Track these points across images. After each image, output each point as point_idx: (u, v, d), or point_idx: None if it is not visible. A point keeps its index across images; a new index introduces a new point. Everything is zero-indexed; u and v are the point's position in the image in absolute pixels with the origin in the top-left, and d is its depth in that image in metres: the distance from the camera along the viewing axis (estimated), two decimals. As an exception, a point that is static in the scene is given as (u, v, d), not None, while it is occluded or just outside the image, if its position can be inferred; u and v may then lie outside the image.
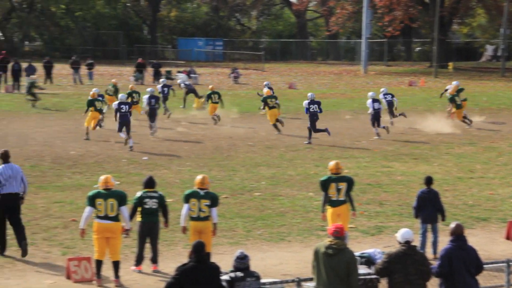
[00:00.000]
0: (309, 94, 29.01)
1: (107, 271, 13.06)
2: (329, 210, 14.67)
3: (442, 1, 64.26)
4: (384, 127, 29.51)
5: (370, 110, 29.34)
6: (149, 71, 54.27)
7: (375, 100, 29.45)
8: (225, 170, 22.72)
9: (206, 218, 13.34)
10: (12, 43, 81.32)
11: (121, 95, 28.16)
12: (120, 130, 26.33)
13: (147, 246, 13.71)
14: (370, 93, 30.27)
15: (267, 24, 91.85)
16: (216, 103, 32.94)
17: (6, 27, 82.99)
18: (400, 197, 19.65)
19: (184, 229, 13.49)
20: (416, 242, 12.65)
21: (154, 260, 13.76)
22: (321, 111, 28.07)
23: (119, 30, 79.12)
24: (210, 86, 35.56)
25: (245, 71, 62.45)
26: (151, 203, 13.53)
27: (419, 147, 27.69)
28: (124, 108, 26.50)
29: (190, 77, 54.15)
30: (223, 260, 13.45)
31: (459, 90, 33.59)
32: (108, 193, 12.94)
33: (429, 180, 14.95)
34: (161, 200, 13.65)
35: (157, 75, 52.55)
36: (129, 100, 30.06)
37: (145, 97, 29.74)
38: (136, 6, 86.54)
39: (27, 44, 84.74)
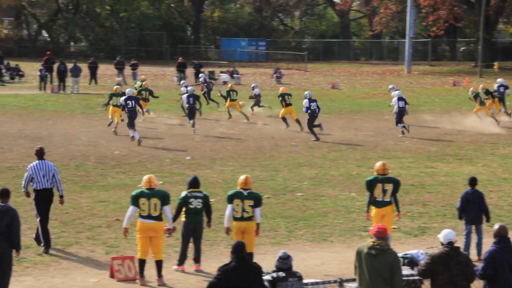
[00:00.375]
0: (306, 92, 29.74)
1: (150, 270, 13.15)
2: (373, 210, 14.58)
3: (488, 0, 63.54)
4: (404, 126, 29.80)
5: (396, 108, 29.84)
6: (188, 71, 54.48)
7: (400, 99, 29.92)
8: (267, 170, 22.73)
9: (250, 218, 13.37)
10: (58, 44, 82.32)
11: (128, 90, 28.89)
12: (131, 125, 26.95)
13: (190, 246, 13.77)
14: (396, 92, 30.91)
15: (310, 24, 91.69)
16: (234, 100, 33.93)
17: (53, 28, 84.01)
18: (443, 198, 19.49)
19: (228, 230, 13.52)
20: (460, 243, 12.53)
21: (197, 259, 13.82)
22: (319, 109, 28.98)
23: (163, 31, 79.60)
24: (230, 85, 36.97)
25: (288, 71, 62.42)
26: (196, 203, 13.59)
27: (463, 147, 27.43)
28: (131, 103, 27.17)
29: (233, 77, 54.34)
30: (265, 260, 13.47)
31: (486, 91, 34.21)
32: (151, 192, 13.02)
33: (473, 181, 14.80)
34: (205, 200, 13.70)
35: (198, 75, 52.70)
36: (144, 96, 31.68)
37: (184, 96, 30.62)
38: (180, 6, 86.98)
39: (72, 45, 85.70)
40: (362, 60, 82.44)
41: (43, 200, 14.81)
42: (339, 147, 27.14)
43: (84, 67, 49.15)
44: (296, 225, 16.91)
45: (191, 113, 29.84)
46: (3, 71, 51.57)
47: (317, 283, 11.09)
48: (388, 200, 14.53)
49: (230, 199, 13.34)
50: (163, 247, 13.25)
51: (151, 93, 33.58)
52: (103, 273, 13.38)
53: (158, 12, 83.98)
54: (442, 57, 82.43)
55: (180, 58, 54.94)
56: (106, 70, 57.46)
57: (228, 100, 33.90)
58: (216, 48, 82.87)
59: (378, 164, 14.80)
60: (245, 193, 13.35)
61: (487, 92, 34.27)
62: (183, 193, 13.68)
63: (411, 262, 12.63)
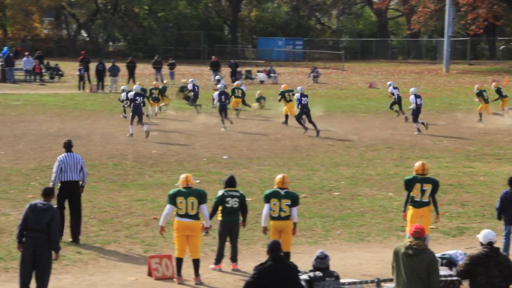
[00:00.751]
0: (299, 87, 30.82)
1: (188, 269, 13.20)
2: (411, 210, 14.48)
3: (528, -2, 62.83)
4: (423, 123, 30.05)
5: (413, 105, 30.08)
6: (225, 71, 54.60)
7: (417, 96, 30.13)
8: (304, 170, 22.70)
9: (287, 218, 13.36)
10: (96, 43, 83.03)
11: (136, 86, 29.83)
12: (132, 120, 27.96)
13: (227, 245, 13.80)
14: (412, 89, 31.16)
15: (348, 23, 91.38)
16: (239, 97, 34.60)
17: (91, 28, 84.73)
18: (482, 198, 19.31)
19: (265, 229, 13.52)
20: (499, 244, 12.41)
21: (234, 258, 13.84)
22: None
23: (200, 30, 79.88)
24: (236, 83, 37.84)
25: (325, 71, 62.28)
26: (232, 202, 13.60)
27: (503, 147, 27.15)
28: (139, 99, 28.14)
29: (270, 76, 54.34)
30: (302, 259, 13.45)
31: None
32: (188, 191, 13.07)
33: (513, 181, 14.62)
34: (242, 199, 13.71)
35: (234, 75, 52.88)
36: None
37: (215, 94, 31.35)
38: (217, 6, 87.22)
39: (111, 44, 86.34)
40: (400, 59, 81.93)
41: (67, 192, 15.09)
42: (376, 147, 27.01)
43: (122, 67, 49.50)
44: (333, 224, 16.86)
45: (223, 110, 30.42)
46: (43, 70, 52.11)
47: (354, 283, 11.05)
48: (426, 200, 14.41)
49: (267, 199, 13.34)
50: (200, 246, 13.29)
51: (161, 92, 34.10)
52: (141, 272, 13.45)
53: (195, 11, 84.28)
54: (481, 56, 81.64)
55: (213, 57, 55.05)
56: (144, 69, 57.80)
57: (233, 98, 34.19)
58: (253, 47, 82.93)
59: (418, 163, 14.68)
60: (282, 192, 13.34)
61: (498, 91, 34.45)
62: (220, 192, 13.71)
63: (450, 262, 12.52)
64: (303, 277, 9.89)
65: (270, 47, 75.91)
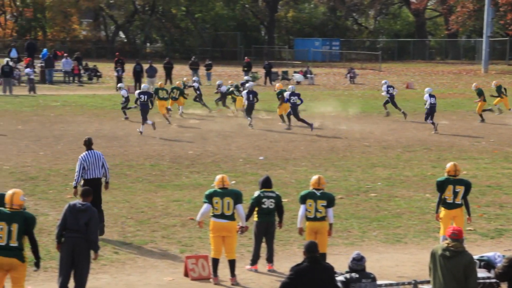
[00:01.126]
0: (290, 86, 32.43)
1: (224, 269, 13.24)
2: (443, 212, 14.40)
3: None
4: (433, 123, 30.37)
5: (427, 104, 30.44)
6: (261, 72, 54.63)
7: (432, 95, 30.44)
8: (340, 171, 22.64)
9: (322, 219, 13.35)
10: (134, 45, 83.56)
11: (144, 85, 31.82)
12: (144, 119, 28.96)
13: (263, 245, 13.82)
14: (427, 89, 31.58)
15: (385, 24, 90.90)
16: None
17: (129, 29, 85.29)
18: (521, 199, 19.11)
19: (301, 230, 13.52)
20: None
21: (270, 259, 13.86)
22: (302, 102, 30.99)
23: (237, 31, 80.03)
24: (230, 82, 38.32)
25: (362, 71, 62.05)
26: (269, 203, 13.62)
27: (542, 148, 26.84)
28: (143, 97, 29.42)
29: (306, 77, 54.30)
30: (338, 260, 13.43)
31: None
32: (224, 191, 13.12)
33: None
34: (278, 200, 13.71)
35: (268, 76, 52.95)
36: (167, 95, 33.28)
37: (244, 93, 31.97)
38: (254, 7, 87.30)
39: (148, 45, 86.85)
40: (438, 59, 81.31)
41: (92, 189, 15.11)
42: (413, 148, 26.86)
43: (160, 68, 49.77)
44: (370, 226, 16.80)
45: (250, 109, 31.20)
46: (82, 72, 52.59)
47: (391, 285, 11.02)
48: (459, 202, 14.31)
49: (303, 199, 13.34)
50: (235, 246, 13.32)
51: (181, 93, 34.40)
52: (178, 272, 13.52)
53: (232, 12, 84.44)
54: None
55: (246, 58, 55.10)
56: (181, 70, 58.05)
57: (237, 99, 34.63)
58: (289, 48, 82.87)
59: (449, 165, 14.58)
60: (318, 193, 13.34)
61: (499, 89, 34.87)
62: (256, 193, 13.73)
63: (488, 264, 12.42)
64: (340, 278, 9.87)
65: (307, 47, 75.75)
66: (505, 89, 35.83)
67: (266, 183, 13.78)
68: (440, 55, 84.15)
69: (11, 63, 46.50)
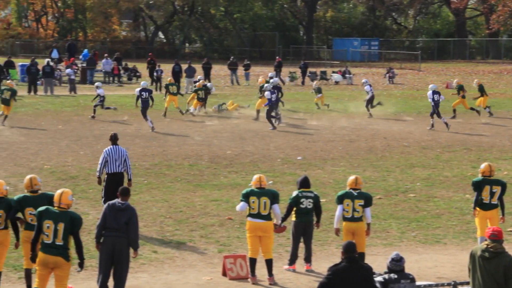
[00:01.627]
0: (273, 79, 32.57)
1: (262, 269, 13.26)
2: (480, 213, 14.30)
3: None
4: (444, 122, 30.54)
5: (430, 101, 30.85)
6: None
7: (435, 92, 30.80)
8: (379, 171, 22.54)
9: (360, 219, 13.31)
10: (173, 45, 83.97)
11: (143, 83, 31.88)
12: (144, 115, 29.86)
13: (301, 245, 13.81)
14: (431, 85, 31.91)
15: (424, 23, 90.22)
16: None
17: (168, 29, 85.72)
18: None
19: (337, 231, 13.48)
20: None
21: (308, 259, 13.85)
22: (278, 100, 31.68)
23: (275, 31, 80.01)
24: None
25: (401, 71, 61.69)
26: (307, 203, 13.61)
27: None
28: (145, 94, 30.15)
29: (345, 77, 54.12)
30: (376, 261, 13.39)
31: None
32: (261, 191, 13.13)
33: None
34: (316, 200, 13.70)
35: (304, 76, 52.95)
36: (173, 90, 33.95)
37: (267, 90, 32.02)
38: (292, 7, 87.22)
39: (187, 46, 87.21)
40: (478, 59, 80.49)
41: (114, 183, 15.58)
42: (453, 148, 26.65)
43: (198, 68, 49.94)
44: (409, 226, 16.72)
45: (275, 105, 31.59)
46: (121, 72, 52.97)
47: (430, 286, 10.94)
48: (495, 203, 14.27)
49: (340, 200, 13.31)
50: (272, 246, 13.33)
51: (207, 91, 34.77)
52: (216, 271, 13.57)
53: (271, 12, 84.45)
54: None
55: (277, 57, 55.02)
56: (219, 70, 58.23)
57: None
58: (328, 48, 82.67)
59: (484, 165, 14.53)
60: (355, 193, 13.30)
61: (481, 89, 34.93)
62: (294, 193, 13.73)
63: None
64: (378, 279, 9.83)
65: (346, 47, 75.49)
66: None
67: (305, 183, 13.76)
68: (481, 55, 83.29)
69: (51, 64, 46.98)
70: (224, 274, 13.36)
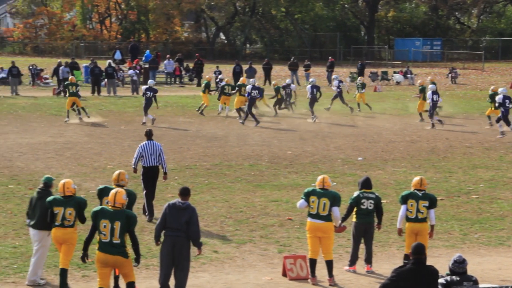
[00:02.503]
0: (251, 79, 33.34)
1: (322, 270, 13.23)
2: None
3: None
4: (440, 120, 30.96)
5: (429, 101, 30.98)
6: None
7: (434, 93, 31.00)
8: (441, 172, 22.29)
9: (424, 220, 13.19)
10: (234, 46, 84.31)
11: (150, 81, 33.31)
12: (145, 112, 31.37)
13: (361, 246, 13.74)
14: (430, 85, 31.97)
15: (488, 23, 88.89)
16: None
17: (229, 30, 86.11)
18: None
19: (400, 231, 13.39)
20: None
21: (368, 260, 13.77)
22: (261, 96, 32.77)
23: (336, 32, 79.73)
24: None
25: (464, 71, 60.91)
26: (368, 204, 13.54)
27: None
28: (149, 93, 31.48)
29: (406, 77, 53.64)
30: (438, 263, 13.23)
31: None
32: (323, 192, 13.10)
33: None
34: (377, 201, 13.62)
35: (361, 75, 52.62)
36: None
37: (308, 87, 33.43)
38: (354, 7, 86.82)
39: (248, 47, 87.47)
40: (544, 59, 78.99)
41: (150, 176, 16.69)
42: (517, 149, 26.22)
43: (258, 69, 50.05)
44: (471, 228, 16.50)
45: (313, 103, 32.81)
46: (183, 73, 53.38)
47: (493, 289, 10.80)
48: None
49: (404, 200, 13.21)
50: (332, 247, 13.28)
51: (233, 88, 34.69)
52: (276, 272, 13.58)
53: (332, 13, 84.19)
54: None
55: (330, 57, 54.74)
56: (280, 71, 58.25)
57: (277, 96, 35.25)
58: (389, 48, 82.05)
59: None
60: (420, 193, 13.19)
61: (422, 90, 33.78)
62: (355, 194, 13.67)
63: None
64: (440, 281, 9.73)
65: (407, 47, 74.83)
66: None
67: (366, 184, 13.70)
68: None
69: (113, 65, 47.61)
70: (284, 274, 13.37)
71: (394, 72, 55.19)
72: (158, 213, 15.71)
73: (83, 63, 51.37)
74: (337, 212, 13.11)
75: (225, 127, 31.51)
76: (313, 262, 13.10)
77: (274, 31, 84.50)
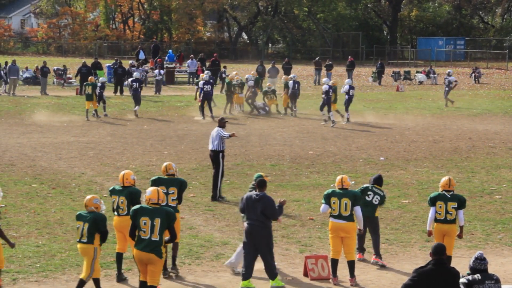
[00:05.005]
0: (205, 75, 33.59)
1: (344, 270, 13.21)
2: None
3: None
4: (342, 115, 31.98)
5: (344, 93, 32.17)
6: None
7: (352, 87, 32.53)
8: (463, 172, 22.19)
9: (453, 221, 13.14)
10: (256, 45, 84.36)
11: (135, 73, 35.96)
12: (135, 102, 33.84)
13: (368, 237, 14.02)
14: (347, 80, 33.28)
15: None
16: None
17: (252, 30, 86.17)
18: None
19: (430, 233, 13.31)
20: None
21: (376, 252, 14.06)
22: (212, 92, 33.14)
23: (359, 31, 79.55)
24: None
25: (487, 71, 60.57)
26: (374, 198, 14.02)
27: None
28: (135, 84, 33.92)
29: (429, 77, 53.42)
30: (461, 263, 13.19)
31: None
32: (343, 192, 13.09)
33: None
34: (382, 200, 14.13)
35: (380, 75, 52.55)
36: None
37: (324, 86, 33.21)
38: (376, 6, 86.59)
39: (270, 46, 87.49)
40: None
41: (212, 158, 19.04)
42: (541, 149, 26.03)
43: (281, 69, 50.03)
44: (494, 228, 16.42)
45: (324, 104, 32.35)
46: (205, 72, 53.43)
47: (515, 289, 10.74)
48: None
49: (433, 201, 13.13)
50: (355, 247, 13.26)
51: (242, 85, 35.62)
52: (297, 272, 13.59)
53: (355, 12, 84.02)
54: None
55: (350, 57, 54.58)
56: (302, 70, 58.21)
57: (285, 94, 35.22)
58: (412, 47, 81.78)
59: None
60: (448, 195, 13.13)
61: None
62: (365, 185, 14.18)
63: None
64: (462, 280, 9.68)
65: (430, 47, 74.52)
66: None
67: (378, 180, 14.22)
68: None
69: (134, 65, 47.79)
70: (306, 274, 13.37)
71: (417, 72, 54.98)
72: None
73: (106, 63, 51.59)
74: (359, 212, 13.12)
75: (247, 126, 31.54)
76: (334, 262, 13.09)
77: (297, 31, 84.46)
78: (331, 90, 31.50)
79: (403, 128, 31.23)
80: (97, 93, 33.02)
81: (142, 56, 55.41)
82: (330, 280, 13.13)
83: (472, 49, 77.58)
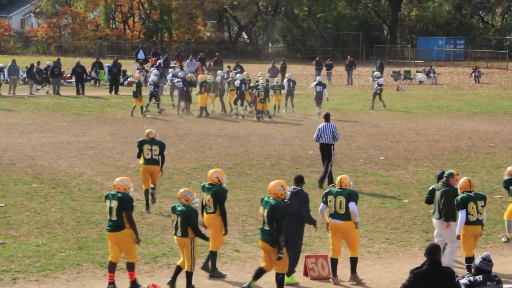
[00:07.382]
0: (180, 73, 35.10)
1: (343, 269, 13.21)
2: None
3: None
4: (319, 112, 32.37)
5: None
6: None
7: (320, 84, 33.47)
8: (463, 172, 22.15)
9: (482, 221, 13.10)
10: (256, 45, 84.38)
11: (181, 73, 35.21)
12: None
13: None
14: (317, 77, 34.27)
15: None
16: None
17: (252, 30, 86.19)
18: None
19: (458, 237, 13.22)
20: None
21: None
22: (186, 87, 34.03)
23: (359, 31, 79.58)
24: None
25: (487, 70, 60.60)
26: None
27: None
28: (180, 84, 33.71)
29: (429, 76, 53.43)
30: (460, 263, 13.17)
31: None
32: (339, 191, 13.12)
33: None
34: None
35: (380, 74, 52.49)
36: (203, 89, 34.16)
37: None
38: (376, 6, 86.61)
39: (270, 46, 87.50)
40: None
41: (322, 150, 20.29)
42: (541, 149, 26.03)
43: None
44: (494, 228, 16.42)
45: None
46: (205, 72, 53.42)
47: (516, 289, 10.73)
48: None
49: (465, 204, 13.00)
50: (358, 244, 13.24)
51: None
52: (297, 271, 13.55)
53: (355, 12, 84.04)
54: None
55: (349, 56, 54.60)
56: (302, 70, 58.22)
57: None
58: (412, 47, 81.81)
59: None
60: (473, 194, 13.09)
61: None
62: (431, 187, 14.05)
63: None
64: (463, 281, 9.67)
65: (430, 46, 74.54)
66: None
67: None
68: None
69: (136, 65, 47.82)
70: (306, 274, 13.37)
71: (417, 71, 55.00)
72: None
73: (106, 63, 51.59)
74: (354, 207, 12.99)
75: (247, 126, 31.54)
76: (334, 262, 13.09)
77: (297, 31, 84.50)
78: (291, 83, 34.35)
79: (403, 127, 31.23)
80: (149, 91, 34.25)
81: (142, 55, 55.41)
82: (330, 280, 13.13)
83: (472, 49, 77.61)
